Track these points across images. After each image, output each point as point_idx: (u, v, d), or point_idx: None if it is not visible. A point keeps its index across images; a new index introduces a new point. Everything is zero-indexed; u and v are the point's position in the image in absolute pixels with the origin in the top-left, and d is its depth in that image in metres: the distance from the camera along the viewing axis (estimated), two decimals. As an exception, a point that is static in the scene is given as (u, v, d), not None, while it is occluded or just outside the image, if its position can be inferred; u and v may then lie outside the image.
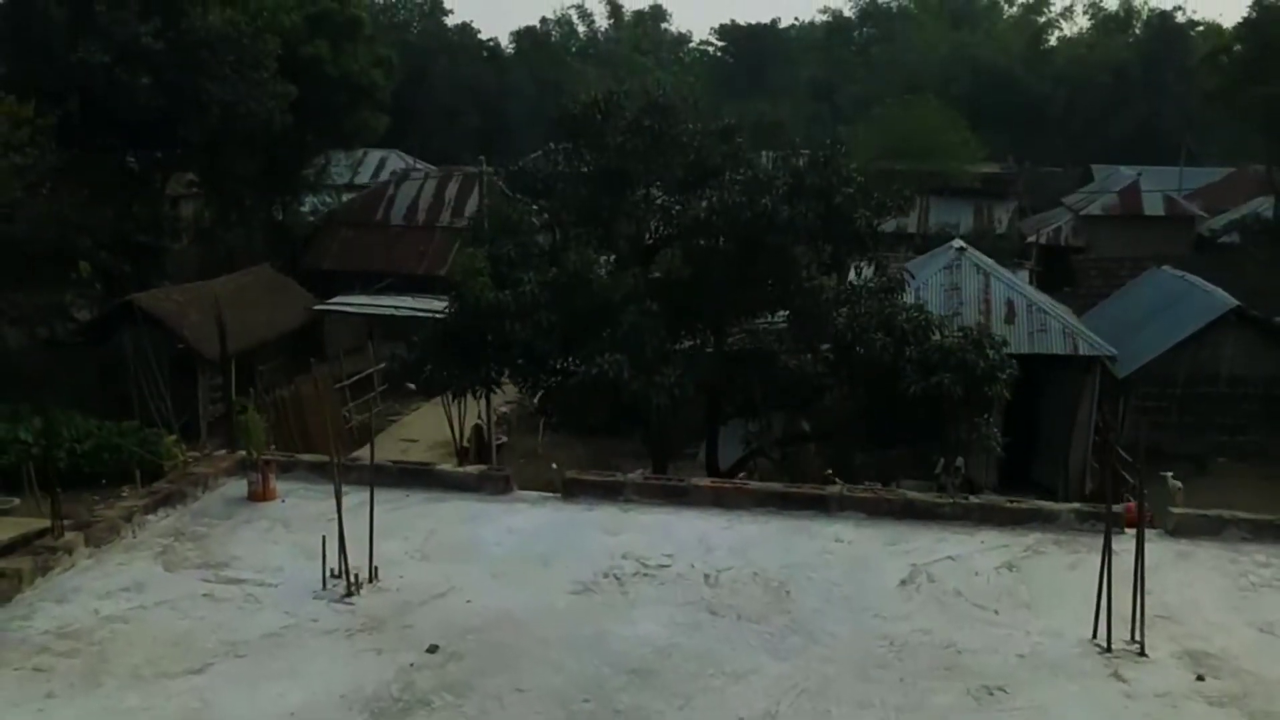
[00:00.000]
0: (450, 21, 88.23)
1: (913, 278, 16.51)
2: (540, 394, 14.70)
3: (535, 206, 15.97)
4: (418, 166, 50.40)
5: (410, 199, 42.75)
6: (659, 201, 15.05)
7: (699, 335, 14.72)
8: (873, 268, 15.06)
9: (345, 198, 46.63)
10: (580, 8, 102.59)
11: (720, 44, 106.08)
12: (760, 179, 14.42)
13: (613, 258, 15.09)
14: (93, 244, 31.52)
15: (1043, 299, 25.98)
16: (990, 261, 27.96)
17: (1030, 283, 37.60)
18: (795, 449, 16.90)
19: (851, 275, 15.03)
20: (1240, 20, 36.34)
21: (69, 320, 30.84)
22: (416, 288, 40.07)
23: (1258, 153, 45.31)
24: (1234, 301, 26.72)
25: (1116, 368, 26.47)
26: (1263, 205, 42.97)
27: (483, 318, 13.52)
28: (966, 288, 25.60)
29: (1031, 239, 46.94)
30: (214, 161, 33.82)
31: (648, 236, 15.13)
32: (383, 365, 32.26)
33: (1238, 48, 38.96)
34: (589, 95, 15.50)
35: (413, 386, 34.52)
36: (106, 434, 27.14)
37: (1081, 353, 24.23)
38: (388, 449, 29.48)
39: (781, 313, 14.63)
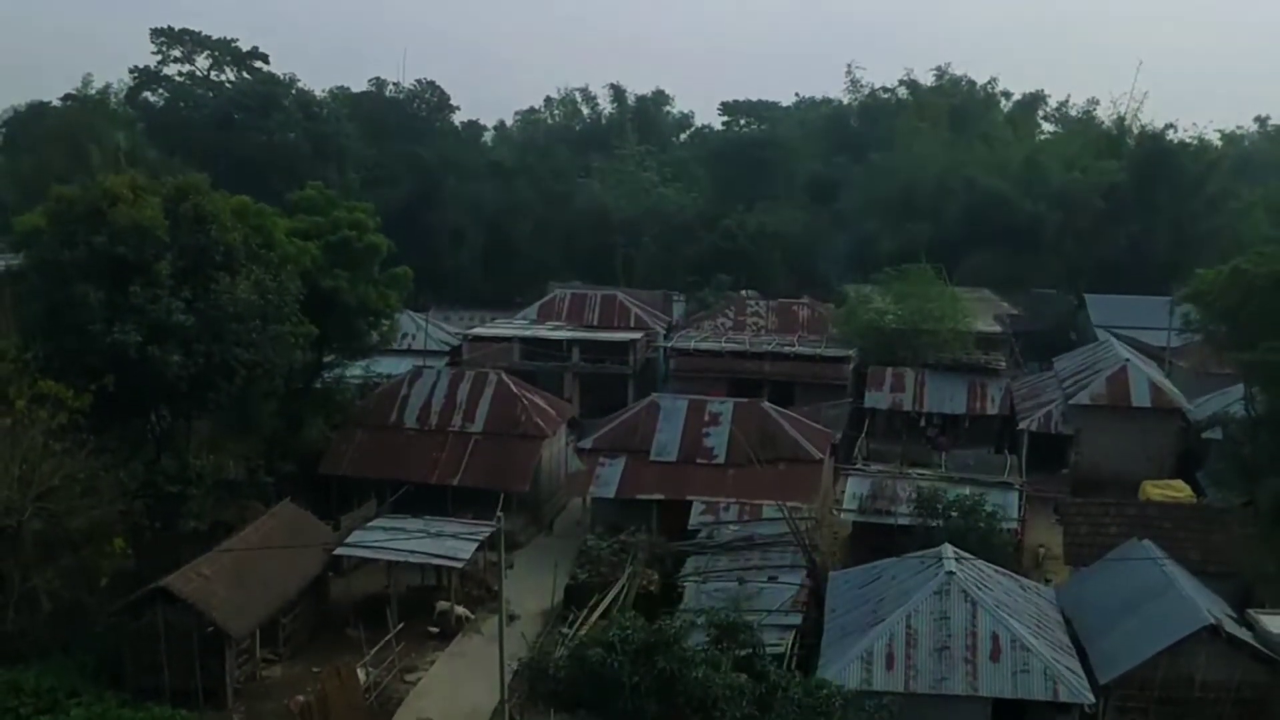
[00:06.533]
0: (457, 119, 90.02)
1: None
2: None
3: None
4: (430, 347, 51.89)
5: (423, 400, 44.16)
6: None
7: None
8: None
9: (352, 372, 47.70)
10: (584, 90, 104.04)
11: (724, 119, 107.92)
12: None
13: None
14: (125, 505, 33.09)
15: (1025, 629, 27.50)
16: (977, 572, 29.54)
17: (1021, 505, 39.33)
18: None
19: None
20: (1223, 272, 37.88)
21: (102, 591, 32.19)
22: (428, 498, 41.63)
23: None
24: (1209, 619, 28.37)
25: (1097, 672, 28.14)
26: (1237, 402, 44.46)
27: None
28: (955, 618, 27.24)
29: (1023, 425, 48.49)
30: (238, 412, 35.30)
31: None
32: (400, 627, 33.79)
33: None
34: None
35: (433, 630, 36.16)
36: (142, 729, 28.65)
37: (1061, 699, 25.90)
38: (404, 732, 31.01)
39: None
